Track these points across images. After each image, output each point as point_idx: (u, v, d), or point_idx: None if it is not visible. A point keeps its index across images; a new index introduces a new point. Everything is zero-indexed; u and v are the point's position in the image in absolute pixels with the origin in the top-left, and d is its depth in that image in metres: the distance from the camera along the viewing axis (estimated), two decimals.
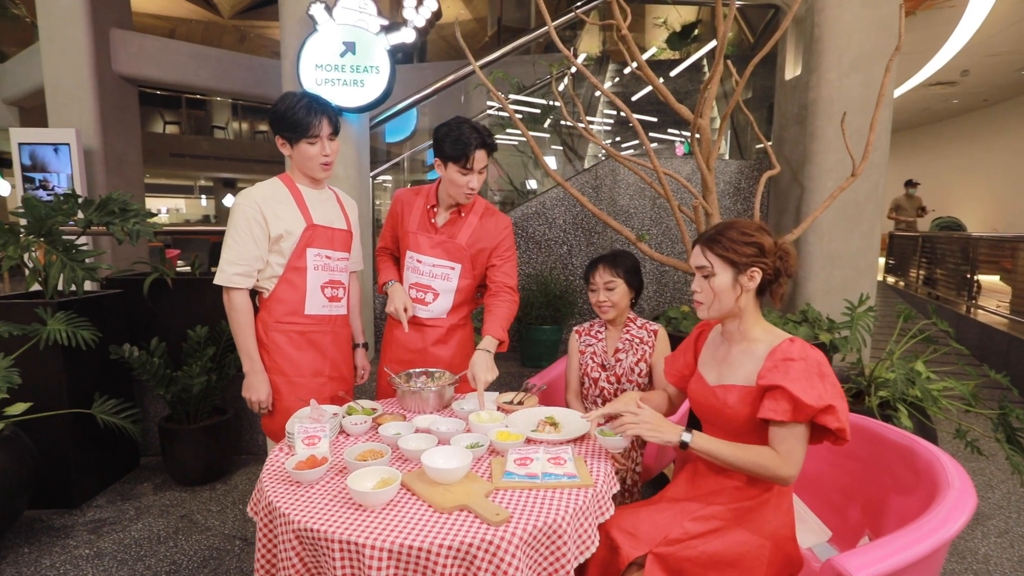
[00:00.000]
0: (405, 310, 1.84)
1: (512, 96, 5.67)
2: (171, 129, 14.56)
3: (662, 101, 2.57)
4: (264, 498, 1.23)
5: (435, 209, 1.90)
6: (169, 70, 6.80)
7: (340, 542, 1.04)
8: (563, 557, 1.12)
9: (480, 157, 1.76)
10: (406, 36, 3.35)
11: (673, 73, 6.57)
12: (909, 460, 1.42)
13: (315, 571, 1.12)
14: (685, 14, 7.08)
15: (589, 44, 7.75)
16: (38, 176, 5.45)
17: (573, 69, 4.46)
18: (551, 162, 6.27)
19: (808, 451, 1.24)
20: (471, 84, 6.02)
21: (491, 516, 1.09)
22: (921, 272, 6.77)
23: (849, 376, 2.50)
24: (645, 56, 6.84)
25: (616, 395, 1.95)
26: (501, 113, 5.33)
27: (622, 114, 2.49)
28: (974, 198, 11.72)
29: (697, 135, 2.62)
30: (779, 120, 3.89)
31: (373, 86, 3.24)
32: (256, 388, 1.72)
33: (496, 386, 3.33)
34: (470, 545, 1.03)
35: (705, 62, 6.38)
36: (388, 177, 6.36)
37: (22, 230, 2.35)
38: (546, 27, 2.53)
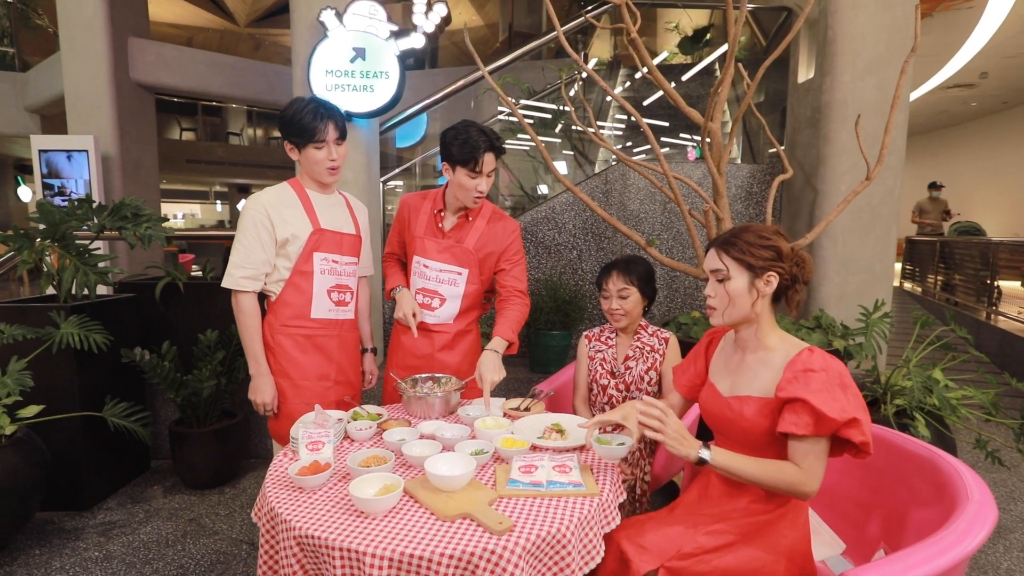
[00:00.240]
0: (413, 315, 1.83)
1: (523, 101, 5.67)
2: (187, 136, 14.80)
3: (674, 105, 2.55)
4: (266, 503, 1.23)
5: (442, 213, 1.89)
6: (185, 78, 6.91)
7: (340, 549, 1.03)
8: (567, 568, 1.10)
9: (489, 160, 1.74)
10: (415, 41, 3.36)
11: (685, 77, 6.53)
12: (926, 471, 1.37)
13: None
14: (697, 18, 7.04)
15: (600, 49, 7.74)
16: (56, 182, 5.55)
17: (584, 74, 4.46)
18: (561, 167, 6.26)
19: None
20: (481, 89, 6.04)
21: (494, 525, 1.07)
22: (939, 277, 6.64)
23: (864, 384, 2.45)
24: (657, 61, 6.81)
25: (624, 403, 1.92)
26: (511, 118, 5.33)
27: (634, 119, 2.47)
28: (994, 202, 11.50)
29: (708, 139, 2.59)
30: (792, 123, 3.84)
31: (383, 91, 3.26)
32: (261, 391, 1.74)
33: (503, 391, 3.32)
34: (471, 554, 1.01)
35: (717, 66, 6.34)
36: (399, 182, 6.39)
37: (38, 235, 2.39)
38: (555, 32, 2.52)
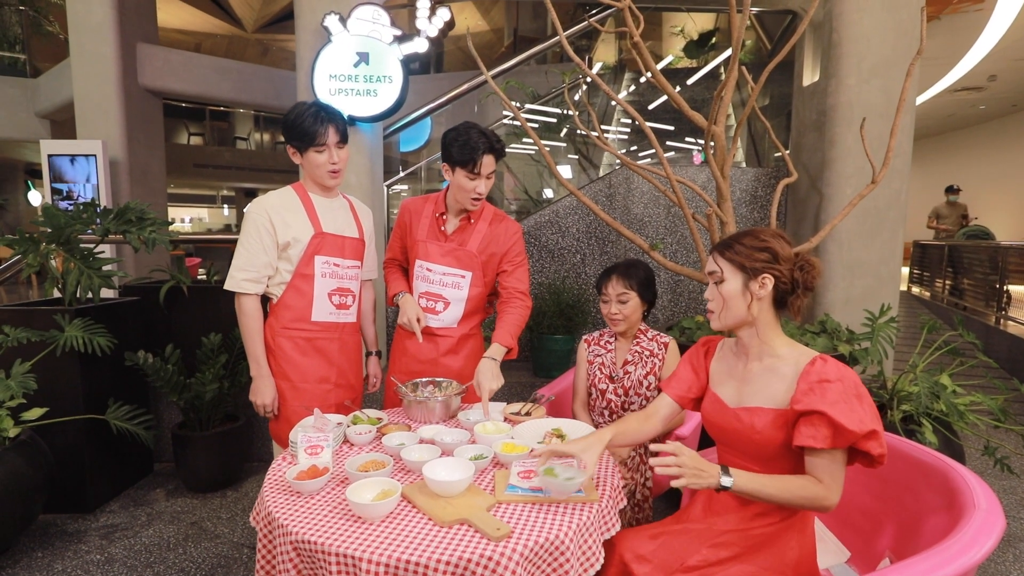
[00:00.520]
0: (418, 320, 1.83)
1: (527, 105, 5.68)
2: (195, 140, 14.91)
3: (678, 109, 2.54)
4: (264, 508, 1.22)
5: (444, 217, 1.89)
6: (193, 83, 6.97)
7: (337, 555, 1.03)
8: (566, 575, 1.09)
9: (488, 162, 1.74)
10: (419, 46, 3.37)
11: (690, 81, 6.52)
12: (933, 479, 1.35)
13: None
14: (702, 22, 7.03)
15: (605, 53, 7.75)
16: (64, 187, 5.60)
17: (588, 78, 4.46)
18: (566, 171, 6.25)
19: None
20: (484, 93, 6.05)
21: (491, 531, 1.06)
22: (947, 282, 6.57)
23: (870, 389, 2.42)
24: (661, 65, 6.81)
25: (623, 408, 1.91)
26: (515, 122, 5.34)
27: (638, 123, 2.47)
28: (1003, 206, 11.39)
29: (712, 142, 2.58)
30: (797, 127, 3.82)
31: (386, 95, 3.27)
32: (262, 392, 1.76)
33: (505, 396, 3.31)
34: (468, 561, 1.00)
35: (723, 70, 6.33)
36: (404, 187, 6.40)
37: (43, 239, 2.41)
38: (559, 37, 2.52)
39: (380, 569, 1.00)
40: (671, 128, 6.16)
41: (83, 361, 2.40)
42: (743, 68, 2.58)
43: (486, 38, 13.34)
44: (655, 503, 1.93)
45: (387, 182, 4.23)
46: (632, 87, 6.92)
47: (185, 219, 18.86)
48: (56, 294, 2.62)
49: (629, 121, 6.76)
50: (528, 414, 1.69)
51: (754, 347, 1.27)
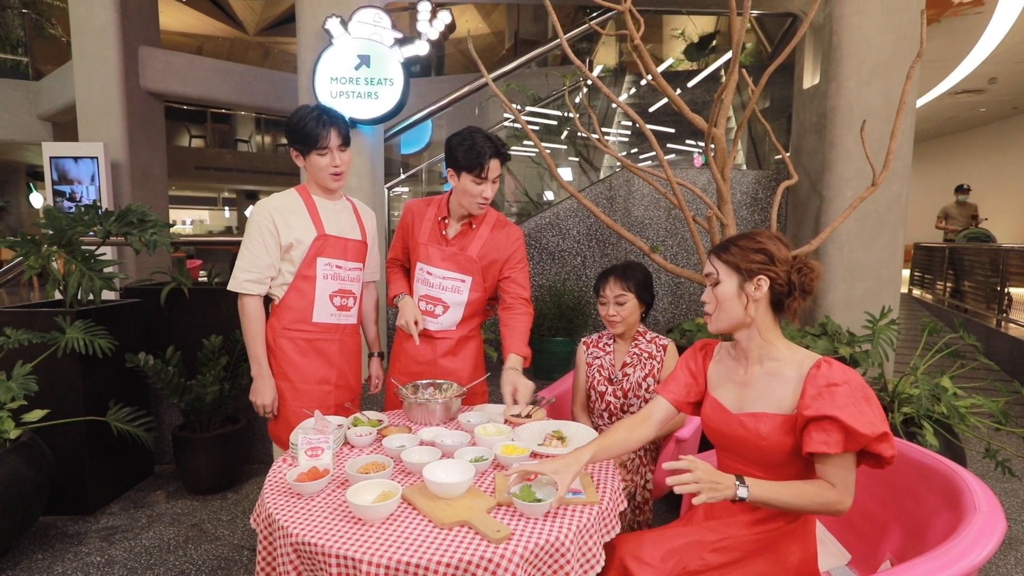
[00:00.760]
0: (416, 323, 1.83)
1: (528, 108, 5.69)
2: (196, 142, 14.95)
3: (679, 112, 2.55)
4: (264, 509, 1.22)
5: (446, 221, 1.88)
6: (194, 85, 6.99)
7: (337, 556, 1.03)
8: None
9: (494, 166, 1.74)
10: (420, 49, 3.38)
11: (691, 84, 6.53)
12: (934, 481, 1.35)
13: None
14: (703, 25, 7.05)
15: (605, 56, 7.76)
16: (67, 188, 5.61)
17: (589, 81, 4.46)
18: (567, 173, 6.26)
19: None
20: (485, 96, 6.07)
21: (491, 533, 1.06)
22: (948, 284, 6.57)
23: None
24: (662, 67, 6.82)
25: (623, 410, 1.91)
26: (516, 125, 5.35)
27: (639, 125, 2.47)
28: (1004, 209, 11.38)
29: (712, 145, 2.59)
30: (797, 129, 3.82)
31: (387, 98, 3.27)
32: (262, 392, 1.77)
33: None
34: (468, 563, 1.00)
35: (723, 72, 6.34)
36: (405, 189, 6.42)
37: (45, 241, 2.42)
38: (559, 40, 2.53)
39: (380, 571, 1.00)
40: (671, 131, 6.17)
41: (84, 363, 2.40)
42: (743, 71, 2.58)
43: (487, 41, 13.37)
44: (655, 505, 1.93)
45: (388, 184, 4.24)
46: (632, 90, 6.93)
47: (186, 221, 18.88)
48: (57, 296, 2.62)
49: (629, 123, 6.76)
50: (528, 416, 1.68)
51: (753, 350, 1.26)
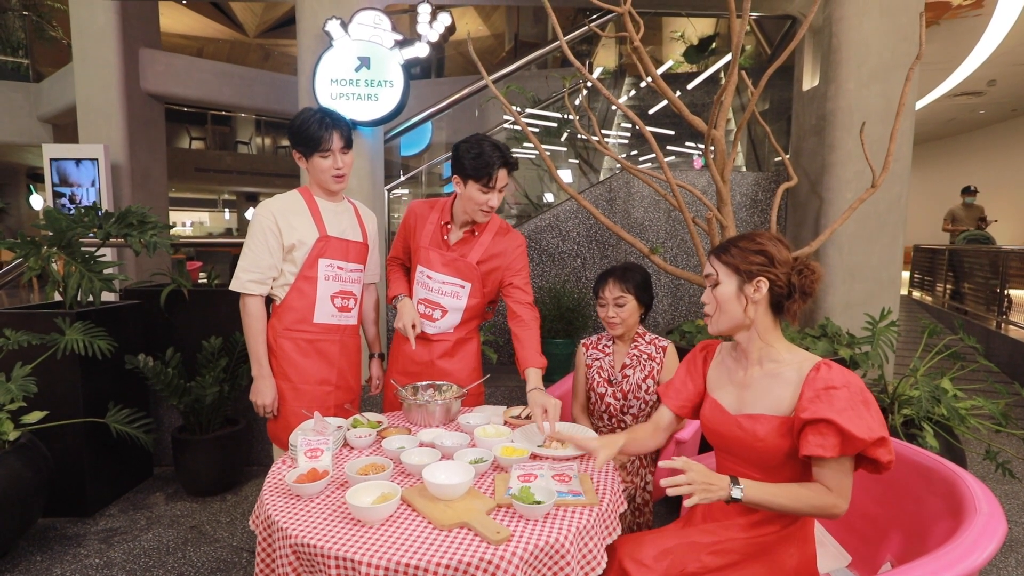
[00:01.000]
0: (413, 327, 1.83)
1: (528, 110, 5.69)
2: (196, 144, 14.95)
3: (679, 114, 2.55)
4: (264, 511, 1.22)
5: (449, 226, 1.88)
6: (194, 87, 7.00)
7: (336, 558, 1.02)
8: None
9: (502, 176, 1.73)
10: (420, 50, 3.39)
11: (690, 86, 6.54)
12: (934, 483, 1.35)
13: None
14: (702, 27, 7.06)
15: (605, 58, 7.77)
16: (67, 190, 5.61)
17: (588, 83, 4.47)
18: (566, 175, 6.26)
19: None
20: (485, 98, 6.07)
21: (491, 534, 1.06)
22: (948, 286, 6.57)
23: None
24: (662, 70, 6.84)
25: (622, 411, 1.91)
26: (516, 127, 5.36)
27: (638, 127, 2.47)
28: (1003, 211, 11.37)
29: (712, 147, 2.59)
30: (797, 131, 3.83)
31: (387, 100, 3.28)
32: (262, 392, 1.77)
33: (506, 400, 3.30)
34: (468, 564, 1.00)
35: (723, 74, 6.35)
36: (405, 191, 6.42)
37: (45, 242, 2.42)
38: (559, 42, 2.53)
39: (380, 573, 0.99)
40: (671, 132, 6.18)
41: (83, 364, 2.40)
42: (743, 73, 2.59)
43: (487, 43, 13.39)
44: (655, 507, 1.93)
45: (388, 186, 4.24)
46: (632, 91, 6.94)
47: (186, 223, 18.87)
48: (57, 297, 2.62)
49: (629, 125, 6.77)
50: (528, 418, 1.68)
51: (753, 352, 1.25)
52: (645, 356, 1.90)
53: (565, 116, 5.63)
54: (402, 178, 5.98)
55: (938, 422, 2.19)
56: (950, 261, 6.48)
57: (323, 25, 3.21)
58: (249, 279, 1.73)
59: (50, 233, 2.40)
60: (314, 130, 1.70)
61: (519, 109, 5.67)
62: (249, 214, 16.50)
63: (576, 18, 7.58)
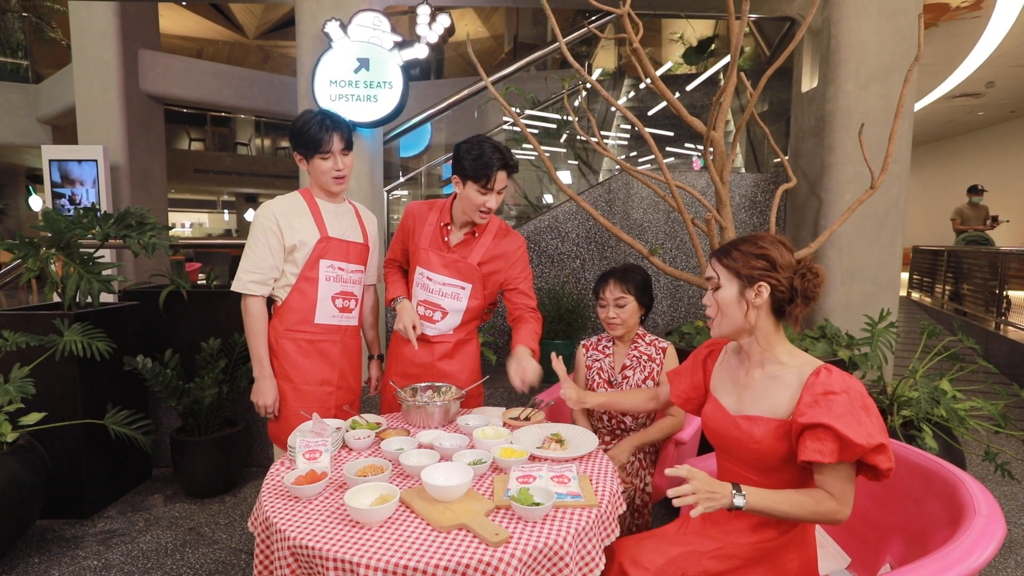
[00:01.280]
0: (413, 328, 1.82)
1: (527, 111, 5.70)
2: (196, 146, 14.95)
3: (678, 115, 2.55)
4: (262, 513, 1.22)
5: (449, 227, 1.87)
6: (194, 89, 7.01)
7: (335, 560, 1.02)
8: None
9: (501, 178, 1.73)
10: (419, 52, 3.39)
11: (689, 87, 6.55)
12: (933, 484, 1.35)
13: None
14: (701, 29, 7.07)
15: (604, 59, 7.79)
16: (67, 190, 5.61)
17: (588, 84, 4.48)
18: (565, 176, 6.27)
19: None
20: (484, 99, 6.08)
21: (490, 536, 1.05)
22: (947, 287, 6.57)
23: (870, 394, 2.42)
24: (661, 71, 6.84)
25: (622, 413, 1.90)
26: (516, 128, 5.36)
27: (637, 128, 2.48)
28: (1002, 212, 11.38)
29: (711, 148, 2.59)
30: (796, 133, 3.83)
31: (386, 101, 3.28)
32: (263, 393, 1.78)
33: (505, 401, 3.30)
34: (467, 566, 1.00)
35: (722, 76, 6.36)
36: (404, 192, 6.42)
37: (43, 243, 2.41)
38: (558, 43, 2.54)
39: (378, 574, 0.99)
40: (670, 134, 6.19)
41: (82, 366, 2.40)
42: (742, 74, 2.59)
43: (486, 44, 13.40)
44: (654, 509, 1.92)
45: (387, 187, 4.24)
46: (631, 93, 6.95)
47: (185, 224, 18.86)
48: (56, 299, 2.62)
49: (628, 127, 6.78)
50: (527, 419, 1.68)
51: (755, 354, 1.25)
52: (645, 357, 1.90)
53: (564, 117, 5.64)
54: (401, 179, 5.98)
55: (937, 423, 2.19)
56: (949, 262, 6.49)
57: (322, 26, 3.21)
58: (251, 280, 1.74)
59: (49, 234, 2.40)
60: (315, 132, 1.72)
61: (518, 110, 5.68)
62: (248, 215, 16.51)
63: (575, 20, 7.60)
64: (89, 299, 2.50)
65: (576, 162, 6.26)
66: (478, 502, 1.19)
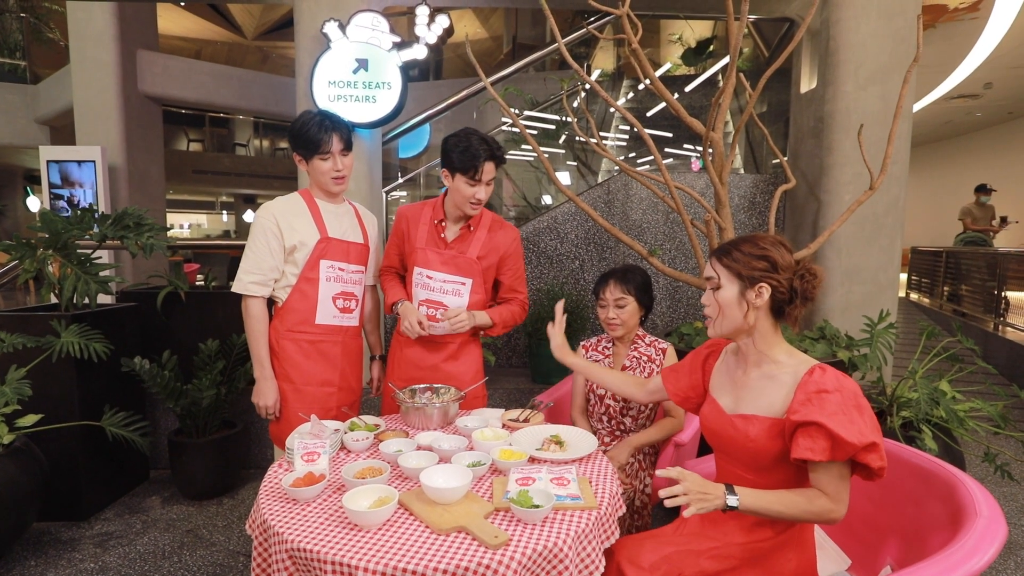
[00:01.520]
0: (420, 325, 1.80)
1: (526, 112, 5.70)
2: (194, 146, 14.92)
3: (677, 116, 2.55)
4: (260, 515, 1.21)
5: (443, 224, 1.88)
6: (192, 89, 6.99)
7: (333, 563, 1.02)
8: None
9: (489, 169, 1.75)
10: (418, 52, 3.39)
11: (688, 88, 6.55)
12: (934, 485, 1.34)
13: None
14: (700, 30, 7.08)
15: (603, 60, 7.79)
16: (66, 192, 5.60)
17: (586, 85, 4.48)
18: (564, 177, 6.27)
19: None
20: (483, 100, 6.08)
21: (489, 539, 1.05)
22: (946, 288, 6.58)
23: (870, 395, 2.42)
24: (659, 72, 6.85)
25: (622, 413, 1.90)
26: (514, 129, 5.36)
27: (636, 129, 2.47)
28: (1000, 213, 11.42)
29: (710, 149, 2.59)
30: (795, 133, 3.83)
31: (385, 102, 3.27)
32: (264, 394, 1.78)
33: (504, 402, 3.30)
34: (466, 569, 0.99)
35: (720, 77, 6.36)
36: (403, 193, 6.41)
37: (40, 244, 2.40)
38: (557, 44, 2.53)
39: None
40: (669, 135, 6.19)
41: (79, 367, 2.39)
42: (741, 75, 2.59)
43: (485, 45, 13.41)
44: (654, 510, 1.92)
45: (386, 188, 4.23)
46: (630, 94, 6.95)
47: (184, 225, 18.84)
48: (53, 300, 2.61)
49: (627, 128, 6.78)
50: (526, 421, 1.68)
51: (752, 354, 1.25)
52: (645, 358, 1.90)
53: (563, 118, 5.63)
54: (400, 180, 5.98)
55: (937, 424, 2.19)
56: (947, 263, 6.49)
57: (321, 27, 3.20)
58: (251, 281, 1.74)
59: (46, 235, 2.39)
60: (314, 132, 1.72)
61: (517, 111, 5.68)
62: (247, 216, 16.49)
63: (574, 20, 7.60)
64: (86, 300, 2.49)
65: (575, 163, 6.26)
66: (477, 504, 1.19)
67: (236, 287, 1.75)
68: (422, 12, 4.80)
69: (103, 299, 2.89)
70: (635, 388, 1.59)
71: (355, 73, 3.25)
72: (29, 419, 2.13)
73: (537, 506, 1.13)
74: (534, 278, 4.00)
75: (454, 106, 4.05)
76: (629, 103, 6.81)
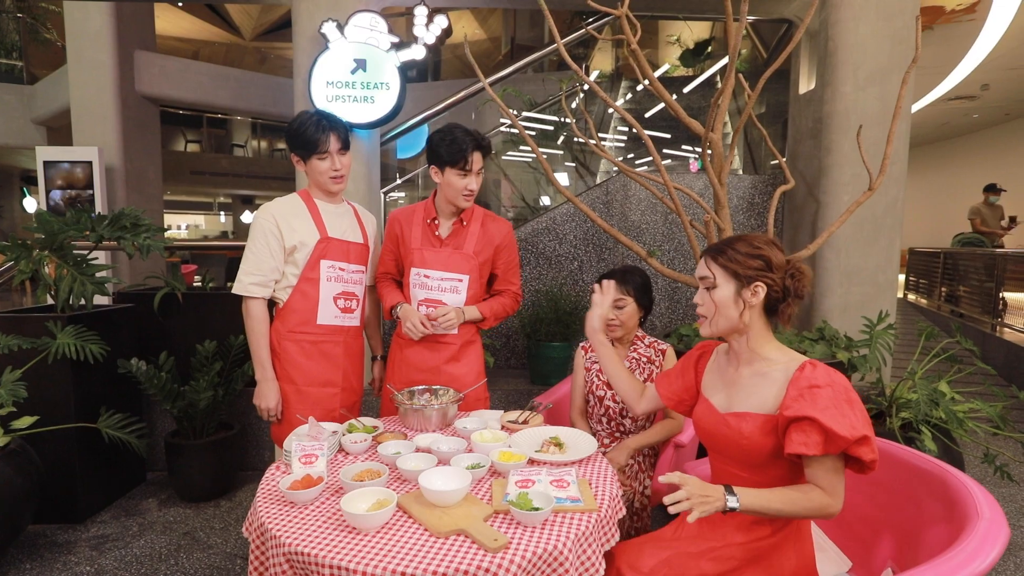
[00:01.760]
0: (423, 324, 1.80)
1: (525, 113, 5.70)
2: (192, 147, 14.88)
3: (675, 117, 2.54)
4: (257, 518, 1.20)
5: (437, 221, 1.88)
6: (190, 90, 6.97)
7: (330, 566, 1.01)
8: None
9: (477, 158, 1.78)
10: (416, 53, 3.38)
11: (686, 90, 6.56)
12: (934, 487, 1.34)
13: None
14: (698, 31, 7.09)
15: (602, 61, 7.80)
16: (60, 193, 5.57)
17: (585, 86, 4.47)
18: (563, 178, 6.27)
19: None
20: (482, 101, 6.07)
21: (488, 542, 1.04)
22: (944, 289, 6.58)
23: (869, 396, 2.41)
24: (658, 73, 6.85)
25: (622, 414, 1.89)
26: (513, 130, 5.35)
27: (635, 130, 2.47)
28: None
29: (709, 150, 2.59)
30: (793, 134, 3.83)
31: (383, 102, 3.27)
32: (266, 396, 1.77)
33: (503, 404, 3.29)
34: (465, 572, 0.98)
35: (719, 78, 6.37)
36: (401, 194, 6.41)
37: (36, 245, 2.39)
38: (556, 44, 2.53)
39: None
40: (668, 136, 6.19)
41: (75, 369, 2.37)
42: (740, 76, 2.59)
43: (483, 46, 13.41)
44: (653, 512, 1.91)
45: (384, 189, 4.23)
46: (629, 95, 6.96)
47: (181, 226, 18.80)
48: (49, 301, 2.59)
49: (626, 129, 6.79)
50: (525, 422, 1.67)
51: (744, 353, 1.27)
52: (644, 359, 1.89)
53: (562, 119, 5.64)
54: (398, 181, 5.98)
55: (936, 425, 2.18)
56: (945, 264, 6.50)
57: (319, 27, 3.20)
58: (251, 282, 1.74)
59: (42, 236, 2.38)
60: (311, 132, 1.72)
61: (516, 112, 5.67)
62: (245, 217, 16.45)
63: (573, 21, 7.60)
64: (83, 301, 2.48)
65: (573, 164, 6.27)
66: (476, 507, 1.18)
67: (236, 288, 1.74)
68: (420, 13, 4.79)
69: (100, 300, 2.87)
70: (634, 399, 1.53)
71: (353, 73, 3.24)
72: (24, 421, 2.12)
73: (537, 508, 1.13)
74: (533, 279, 4.00)
75: (452, 107, 4.04)
76: (627, 104, 6.82)
